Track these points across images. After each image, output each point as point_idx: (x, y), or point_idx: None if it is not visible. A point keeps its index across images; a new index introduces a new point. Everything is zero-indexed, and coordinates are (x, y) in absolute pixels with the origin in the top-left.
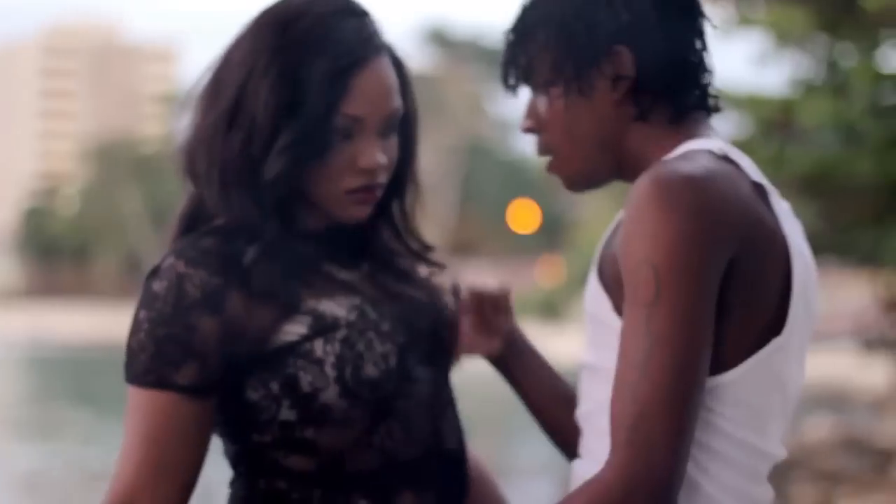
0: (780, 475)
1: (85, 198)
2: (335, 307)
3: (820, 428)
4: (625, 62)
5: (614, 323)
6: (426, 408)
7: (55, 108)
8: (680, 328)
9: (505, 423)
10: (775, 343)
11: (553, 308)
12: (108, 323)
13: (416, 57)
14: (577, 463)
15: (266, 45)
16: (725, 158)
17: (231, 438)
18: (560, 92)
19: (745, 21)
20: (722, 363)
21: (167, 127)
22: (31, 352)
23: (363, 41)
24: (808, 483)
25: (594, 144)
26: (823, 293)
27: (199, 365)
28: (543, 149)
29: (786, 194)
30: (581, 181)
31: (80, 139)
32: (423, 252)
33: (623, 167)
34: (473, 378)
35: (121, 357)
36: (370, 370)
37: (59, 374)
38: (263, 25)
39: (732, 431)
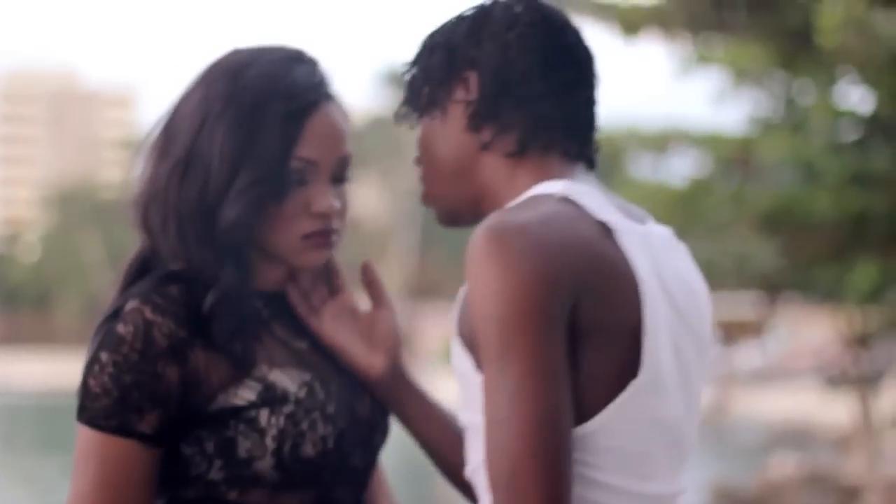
0: None
1: (45, 244)
2: (286, 380)
3: (785, 465)
4: (471, 88)
5: (477, 380)
6: (352, 488)
7: (15, 154)
8: (533, 378)
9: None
10: (635, 385)
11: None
12: (70, 369)
13: (373, 100)
14: None
15: (219, 92)
16: (567, 200)
17: (157, 491)
18: (420, 115)
19: (702, 59)
20: (583, 413)
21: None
22: None
23: (315, 86)
24: None
25: (450, 173)
26: (786, 329)
27: (161, 413)
28: (419, 177)
29: (746, 231)
30: (447, 213)
31: (41, 185)
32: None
33: (482, 204)
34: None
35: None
36: (308, 450)
37: (23, 422)
38: (215, 74)
39: (606, 479)
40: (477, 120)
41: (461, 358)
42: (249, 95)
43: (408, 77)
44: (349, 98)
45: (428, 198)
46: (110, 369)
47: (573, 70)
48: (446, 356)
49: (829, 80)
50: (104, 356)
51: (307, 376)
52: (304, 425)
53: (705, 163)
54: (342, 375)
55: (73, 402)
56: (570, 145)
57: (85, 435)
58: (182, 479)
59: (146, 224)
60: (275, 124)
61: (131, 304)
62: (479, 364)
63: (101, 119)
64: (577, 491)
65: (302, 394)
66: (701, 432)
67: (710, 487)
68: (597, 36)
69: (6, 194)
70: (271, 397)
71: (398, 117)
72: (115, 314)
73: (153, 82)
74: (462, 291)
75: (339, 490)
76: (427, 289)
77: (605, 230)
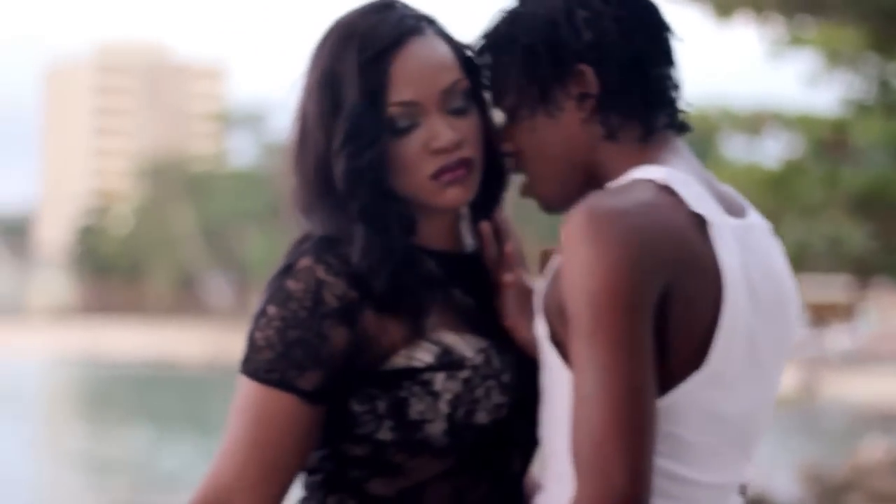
0: (835, 497)
1: (138, 216)
2: (463, 345)
3: (875, 449)
4: (588, 81)
5: (550, 351)
6: (519, 461)
7: (108, 125)
8: (621, 355)
9: None
10: (696, 378)
11: None
12: (161, 340)
13: None
14: (542, 491)
15: (310, 63)
16: (666, 188)
17: (320, 443)
18: (528, 114)
19: (796, 41)
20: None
21: (217, 145)
22: (85, 368)
23: (393, 27)
24: None
25: (564, 165)
26: (876, 313)
27: (323, 372)
28: (517, 168)
29: (838, 214)
30: (555, 202)
31: (133, 157)
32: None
33: (594, 187)
34: None
35: (175, 375)
36: (482, 417)
37: (114, 391)
38: (312, 52)
39: (660, 463)
40: (601, 111)
41: (541, 326)
42: (328, 55)
43: (492, 78)
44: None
45: (534, 190)
46: (277, 323)
47: (667, 37)
48: None
49: None
50: (272, 310)
51: (484, 343)
52: (480, 392)
53: (798, 144)
54: (517, 347)
55: (164, 373)
56: (677, 118)
57: (245, 386)
58: (349, 435)
59: (301, 210)
60: (352, 76)
61: (304, 262)
62: (553, 337)
63: (192, 92)
64: None
65: (479, 360)
66: (790, 415)
67: (799, 470)
68: (689, 17)
69: (99, 166)
70: (448, 361)
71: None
72: (287, 269)
73: (243, 56)
74: (550, 266)
75: (507, 462)
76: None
77: (700, 222)
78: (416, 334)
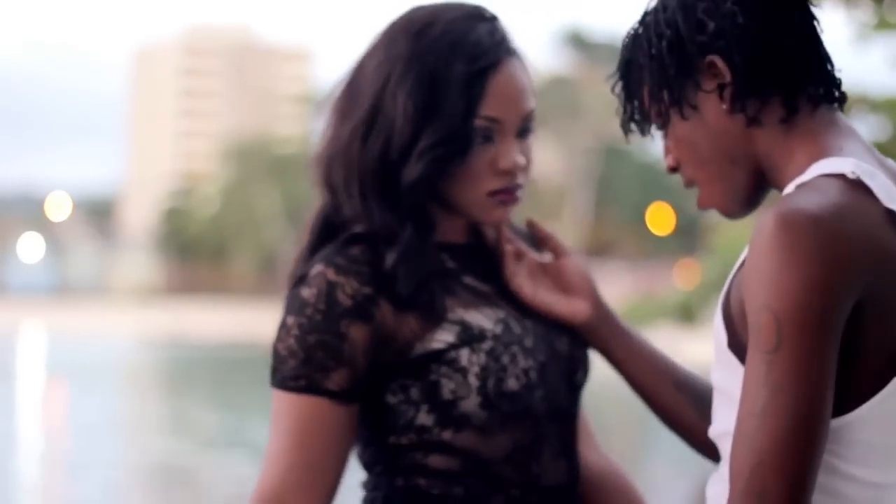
0: None
1: (223, 197)
2: (482, 318)
3: None
4: (721, 71)
5: (726, 357)
6: (559, 427)
7: (194, 107)
8: (800, 378)
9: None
10: (894, 384)
11: (689, 311)
12: (246, 321)
13: (553, 59)
14: (711, 483)
15: (401, 51)
16: (858, 183)
17: (367, 441)
18: (672, 122)
19: (883, 24)
20: (841, 405)
21: (303, 128)
22: (171, 350)
23: (496, 44)
24: None
25: (723, 162)
26: None
27: (348, 371)
28: (687, 182)
29: None
30: (731, 205)
31: (219, 139)
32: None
33: (767, 177)
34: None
35: (260, 356)
36: (512, 384)
37: (199, 373)
38: (396, 34)
39: (849, 471)
40: (739, 98)
41: (719, 329)
42: (432, 55)
43: (626, 93)
44: (528, 58)
45: (707, 198)
46: (296, 332)
47: (797, 8)
48: (621, 316)
49: None
50: (290, 320)
51: (501, 313)
52: (505, 359)
53: (885, 127)
54: (535, 316)
55: (249, 355)
56: (828, 90)
57: (278, 398)
58: (393, 428)
59: (329, 182)
60: (458, 84)
61: (316, 269)
62: (733, 344)
63: (279, 74)
64: (822, 479)
65: (499, 329)
66: None
67: None
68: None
69: (185, 148)
70: (469, 336)
71: (630, 133)
72: (302, 279)
73: (330, 38)
74: (737, 267)
75: (548, 429)
76: (602, 248)
77: (892, 218)
78: (435, 319)
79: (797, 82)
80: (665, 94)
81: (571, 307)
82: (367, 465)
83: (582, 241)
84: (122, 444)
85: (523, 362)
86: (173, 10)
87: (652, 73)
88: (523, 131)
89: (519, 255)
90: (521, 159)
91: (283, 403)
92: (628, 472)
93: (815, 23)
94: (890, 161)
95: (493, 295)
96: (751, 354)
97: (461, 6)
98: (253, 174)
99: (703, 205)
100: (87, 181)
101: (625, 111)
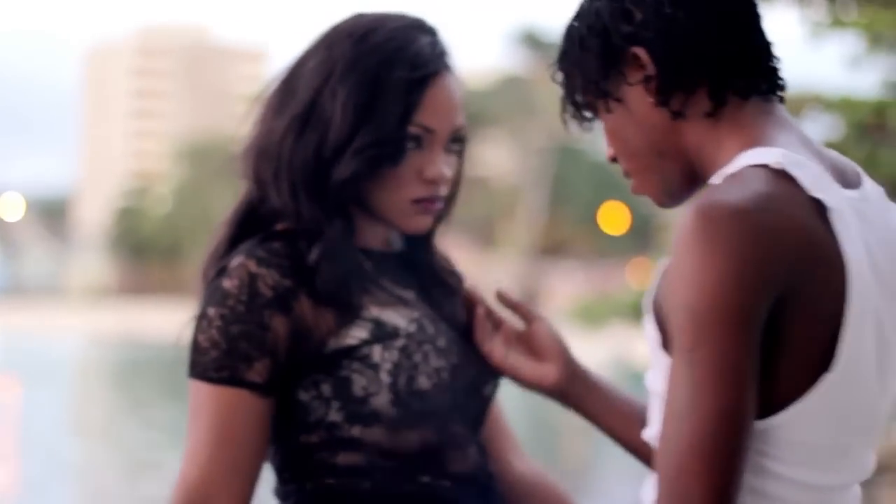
0: (868, 480)
1: (176, 197)
2: (396, 317)
3: None
4: (646, 63)
5: (659, 358)
6: (468, 426)
7: (148, 107)
8: (721, 376)
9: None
10: (827, 381)
11: (642, 311)
12: None
13: (507, 58)
14: (645, 486)
15: (344, 52)
16: (783, 173)
17: (277, 442)
18: (601, 115)
19: (837, 23)
20: (770, 406)
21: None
22: (123, 349)
23: (437, 56)
24: None
25: (653, 156)
26: None
27: (270, 362)
28: (624, 172)
29: None
30: (663, 196)
31: (172, 139)
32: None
33: (697, 173)
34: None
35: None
36: (423, 382)
37: (152, 372)
38: (340, 36)
39: (784, 472)
40: (664, 91)
41: (652, 330)
42: (375, 59)
43: (563, 85)
44: (482, 57)
45: (640, 188)
46: (218, 323)
47: (736, 6)
48: (574, 315)
49: None
50: (211, 311)
51: (415, 314)
52: (418, 357)
53: (838, 127)
54: (449, 320)
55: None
56: (759, 81)
57: (197, 389)
58: (303, 426)
59: (257, 176)
60: (398, 89)
61: (237, 261)
62: (665, 344)
63: (233, 74)
64: (755, 482)
65: (412, 328)
66: None
67: None
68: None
69: (138, 147)
70: (383, 333)
71: (570, 126)
72: (223, 271)
73: (285, 38)
74: (662, 265)
75: (456, 427)
76: (555, 248)
77: (820, 208)
78: (350, 316)
79: (724, 75)
80: (595, 86)
81: (540, 372)
82: (278, 470)
83: (535, 241)
84: (80, 439)
85: (436, 362)
86: (128, 9)
87: (581, 65)
88: (452, 144)
89: (497, 325)
90: (446, 171)
91: (204, 395)
92: (562, 480)
93: (751, 13)
94: (832, 152)
95: (410, 299)
96: (673, 354)
97: (404, 17)
98: (206, 174)
99: (635, 192)
100: (41, 182)
101: (563, 103)
